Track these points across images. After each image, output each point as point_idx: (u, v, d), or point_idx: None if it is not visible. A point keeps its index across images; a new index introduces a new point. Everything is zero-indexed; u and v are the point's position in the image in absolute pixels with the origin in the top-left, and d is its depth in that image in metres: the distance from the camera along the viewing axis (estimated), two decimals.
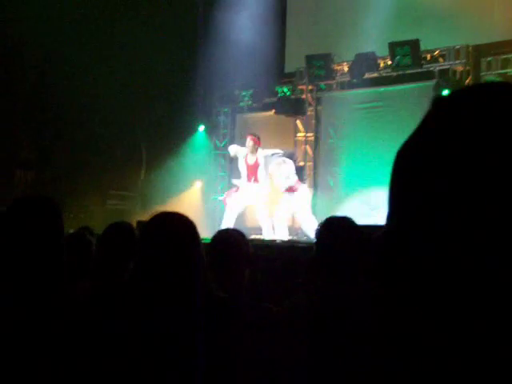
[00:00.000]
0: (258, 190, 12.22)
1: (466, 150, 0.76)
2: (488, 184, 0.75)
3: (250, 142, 12.21)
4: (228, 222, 12.09)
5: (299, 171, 15.16)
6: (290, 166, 12.02)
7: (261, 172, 12.18)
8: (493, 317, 0.76)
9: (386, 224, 0.85)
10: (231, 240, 3.76)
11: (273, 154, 12.28)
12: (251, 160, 12.22)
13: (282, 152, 12.44)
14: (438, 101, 0.85)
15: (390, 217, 0.85)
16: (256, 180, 12.21)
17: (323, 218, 3.82)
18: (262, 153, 12.26)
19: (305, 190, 12.44)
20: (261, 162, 12.19)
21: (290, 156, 13.14)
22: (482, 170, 0.75)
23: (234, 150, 12.54)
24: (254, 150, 12.21)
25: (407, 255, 0.80)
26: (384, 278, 0.84)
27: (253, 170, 12.21)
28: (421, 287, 0.79)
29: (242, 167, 12.33)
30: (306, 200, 12.31)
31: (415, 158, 0.81)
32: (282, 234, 11.96)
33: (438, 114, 0.83)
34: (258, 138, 12.42)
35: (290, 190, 12.06)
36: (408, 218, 0.80)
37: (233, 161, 17.13)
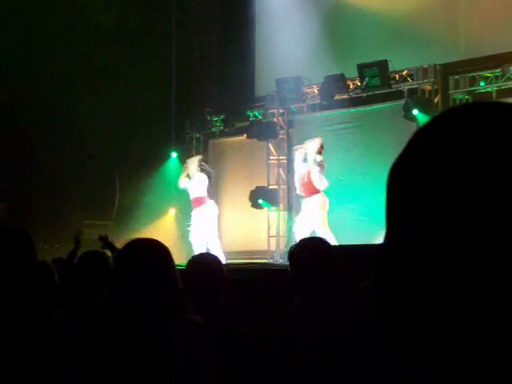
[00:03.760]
0: None
1: (463, 162, 0.76)
2: (484, 192, 0.74)
3: None
4: None
5: (273, 194, 15.25)
6: None
7: None
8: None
9: (384, 239, 0.84)
10: (206, 264, 3.76)
11: None
12: None
13: None
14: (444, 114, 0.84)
15: (388, 232, 0.84)
16: None
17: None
18: None
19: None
20: None
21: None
22: (479, 181, 0.75)
23: None
24: None
25: (406, 269, 0.78)
26: (380, 292, 0.83)
27: None
28: (419, 299, 0.77)
29: None
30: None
31: (410, 172, 0.80)
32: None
33: (437, 127, 0.83)
34: None
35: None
36: (406, 230, 0.79)
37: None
